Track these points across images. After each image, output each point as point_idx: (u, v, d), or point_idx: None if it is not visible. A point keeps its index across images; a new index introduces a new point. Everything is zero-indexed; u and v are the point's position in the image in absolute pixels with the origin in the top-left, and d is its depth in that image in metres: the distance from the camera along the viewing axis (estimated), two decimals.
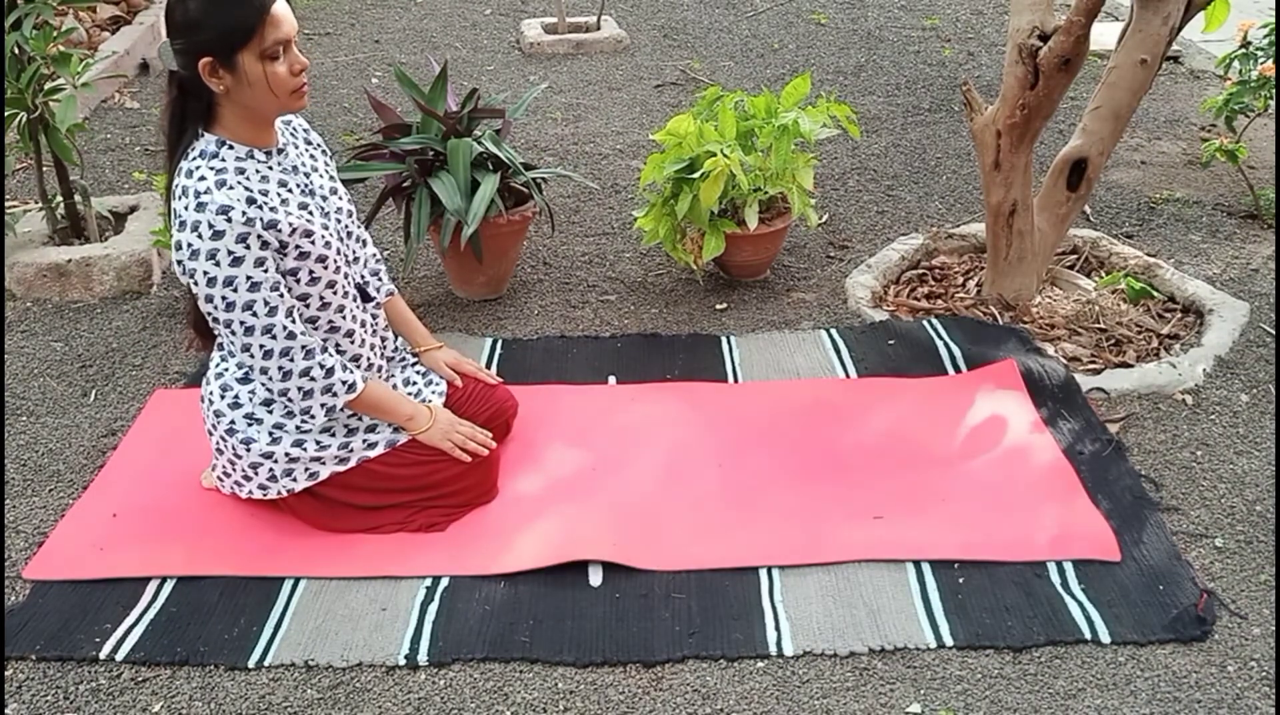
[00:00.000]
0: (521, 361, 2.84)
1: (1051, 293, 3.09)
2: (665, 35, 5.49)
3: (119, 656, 1.96)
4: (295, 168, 2.10)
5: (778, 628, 1.99)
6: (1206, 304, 2.95)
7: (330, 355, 2.07)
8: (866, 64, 5.02)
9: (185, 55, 1.90)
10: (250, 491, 2.21)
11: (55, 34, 3.10)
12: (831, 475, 2.39)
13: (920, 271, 3.27)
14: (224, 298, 1.91)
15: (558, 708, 1.86)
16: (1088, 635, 1.96)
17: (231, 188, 1.91)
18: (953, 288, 3.17)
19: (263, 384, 2.02)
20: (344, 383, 2.09)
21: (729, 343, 2.91)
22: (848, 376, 2.76)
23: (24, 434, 2.61)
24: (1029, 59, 2.67)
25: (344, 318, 2.15)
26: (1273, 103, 3.50)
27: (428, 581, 2.11)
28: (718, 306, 3.12)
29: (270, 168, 2.03)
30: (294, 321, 1.97)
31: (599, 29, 5.40)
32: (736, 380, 2.76)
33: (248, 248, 1.91)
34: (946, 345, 2.82)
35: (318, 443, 2.16)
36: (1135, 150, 4.04)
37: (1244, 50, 3.59)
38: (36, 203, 3.41)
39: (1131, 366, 2.76)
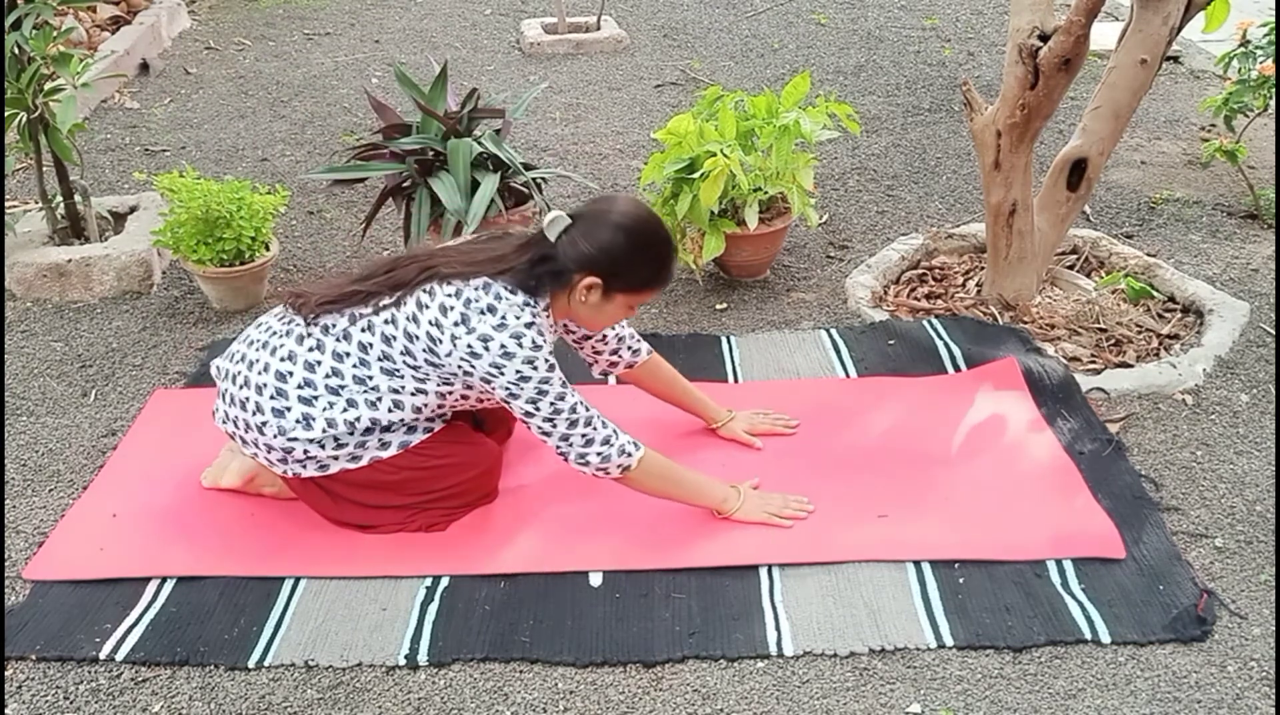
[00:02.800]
0: None
1: (1051, 293, 3.09)
2: (665, 35, 5.49)
3: (119, 656, 1.96)
4: None
5: (778, 628, 1.99)
6: (1206, 304, 2.94)
7: (616, 433, 2.18)
8: (866, 64, 5.02)
9: (582, 262, 2.08)
10: (256, 454, 2.21)
11: (55, 34, 3.10)
12: (831, 475, 2.39)
13: (920, 271, 3.27)
14: (537, 389, 2.08)
15: (558, 708, 1.86)
16: (1088, 635, 1.96)
17: (544, 335, 2.11)
18: (953, 288, 3.16)
19: (565, 446, 2.15)
20: (621, 451, 2.18)
21: (729, 343, 2.91)
22: (848, 376, 2.76)
23: (24, 434, 2.61)
24: (1029, 59, 2.67)
25: (444, 420, 2.28)
26: (1272, 102, 3.50)
27: (428, 581, 2.11)
28: (718, 306, 3.12)
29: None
30: (585, 406, 2.14)
31: (599, 29, 5.40)
32: (737, 380, 2.76)
33: (552, 365, 2.11)
34: (946, 345, 2.82)
35: (335, 441, 2.15)
36: (1135, 150, 4.04)
37: (1243, 49, 3.59)
38: (36, 203, 3.41)
39: (1131, 366, 2.76)
